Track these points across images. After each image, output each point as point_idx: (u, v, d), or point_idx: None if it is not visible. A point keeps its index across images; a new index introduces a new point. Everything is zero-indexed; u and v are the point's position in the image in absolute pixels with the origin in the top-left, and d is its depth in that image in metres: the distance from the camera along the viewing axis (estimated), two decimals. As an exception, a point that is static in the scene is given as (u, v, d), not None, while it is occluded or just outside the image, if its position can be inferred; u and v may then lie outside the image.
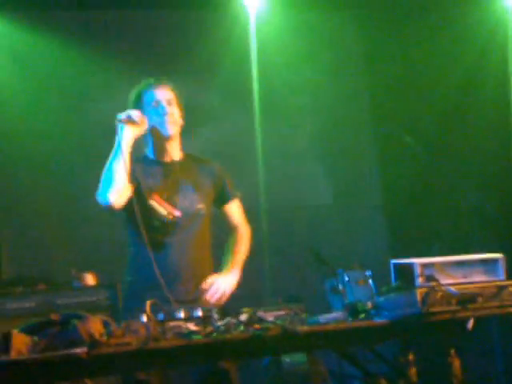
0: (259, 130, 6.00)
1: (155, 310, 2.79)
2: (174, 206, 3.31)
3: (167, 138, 3.37)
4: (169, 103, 3.35)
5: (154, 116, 3.32)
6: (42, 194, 5.77)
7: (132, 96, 3.41)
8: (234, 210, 3.56)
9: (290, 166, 6.42)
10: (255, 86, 5.91)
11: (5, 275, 5.52)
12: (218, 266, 3.44)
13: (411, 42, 5.89)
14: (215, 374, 3.23)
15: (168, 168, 3.35)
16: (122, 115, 3.23)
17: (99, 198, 3.21)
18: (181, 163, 3.41)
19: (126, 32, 5.75)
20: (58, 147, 5.63)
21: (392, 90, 6.06)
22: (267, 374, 4.92)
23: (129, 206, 3.21)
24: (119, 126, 3.22)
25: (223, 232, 3.55)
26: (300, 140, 6.45)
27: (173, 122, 3.35)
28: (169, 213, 3.29)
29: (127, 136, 3.22)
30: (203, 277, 3.32)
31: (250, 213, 5.68)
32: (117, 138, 3.20)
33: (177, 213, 3.31)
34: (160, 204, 3.28)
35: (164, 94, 3.36)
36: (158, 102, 3.33)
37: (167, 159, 3.37)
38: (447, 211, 6.03)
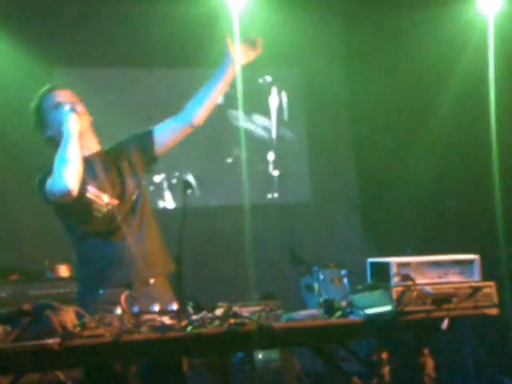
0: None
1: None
2: (110, 195, 3.25)
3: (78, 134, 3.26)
4: (70, 102, 3.27)
5: (58, 117, 3.25)
6: (16, 183, 5.69)
7: (32, 106, 3.33)
8: (164, 127, 3.39)
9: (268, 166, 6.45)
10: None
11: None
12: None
13: (391, 46, 5.94)
14: (165, 368, 3.14)
15: (90, 161, 3.27)
16: (66, 106, 3.21)
17: (55, 188, 3.12)
18: (99, 155, 3.33)
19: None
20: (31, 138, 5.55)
21: (371, 92, 6.09)
22: (240, 370, 4.91)
23: (65, 204, 3.17)
24: (65, 115, 3.20)
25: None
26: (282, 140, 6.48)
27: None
28: (107, 203, 3.24)
29: (75, 124, 3.20)
30: (159, 258, 3.27)
31: (232, 210, 5.74)
32: (65, 128, 3.18)
33: (114, 201, 3.25)
34: (96, 196, 3.23)
35: (63, 95, 3.30)
36: (59, 103, 3.26)
37: (85, 153, 3.26)
38: (424, 213, 6.06)
